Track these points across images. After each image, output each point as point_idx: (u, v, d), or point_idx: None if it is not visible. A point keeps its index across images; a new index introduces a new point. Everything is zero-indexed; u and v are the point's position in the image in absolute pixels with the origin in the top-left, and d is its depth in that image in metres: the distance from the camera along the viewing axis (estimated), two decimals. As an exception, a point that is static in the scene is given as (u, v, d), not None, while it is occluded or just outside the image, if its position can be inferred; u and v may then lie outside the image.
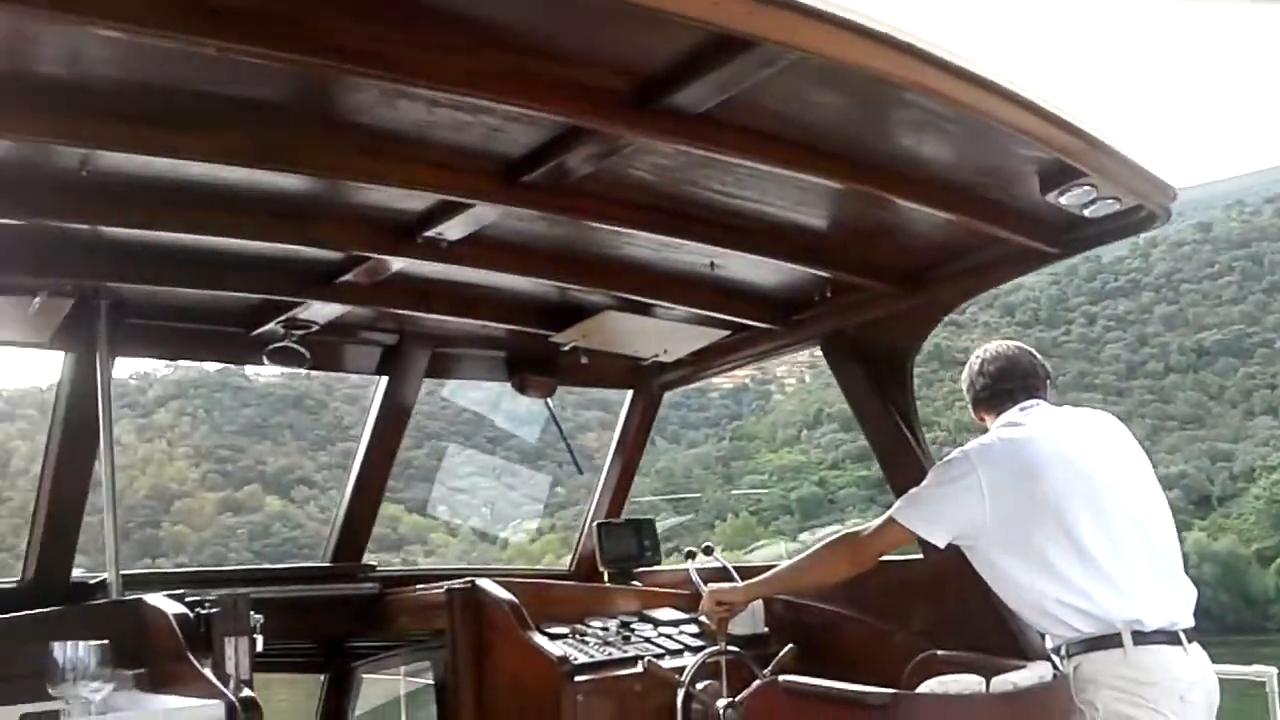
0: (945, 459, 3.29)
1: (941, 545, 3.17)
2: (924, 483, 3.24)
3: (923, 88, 2.45)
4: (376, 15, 2.19)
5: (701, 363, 4.73)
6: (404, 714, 6.67)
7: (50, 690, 2.71)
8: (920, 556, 3.62)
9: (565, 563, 5.22)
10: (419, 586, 4.16)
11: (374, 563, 4.58)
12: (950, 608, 3.66)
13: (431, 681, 4.77)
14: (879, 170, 2.96)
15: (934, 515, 3.15)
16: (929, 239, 3.57)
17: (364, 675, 5.01)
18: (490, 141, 2.80)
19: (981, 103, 2.55)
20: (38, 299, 3.36)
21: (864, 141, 2.89)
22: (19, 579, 3.81)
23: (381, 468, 4.54)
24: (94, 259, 3.37)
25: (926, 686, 2.96)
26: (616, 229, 3.38)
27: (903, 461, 3.90)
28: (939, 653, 3.45)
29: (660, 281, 3.91)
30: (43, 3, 2.03)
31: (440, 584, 3.95)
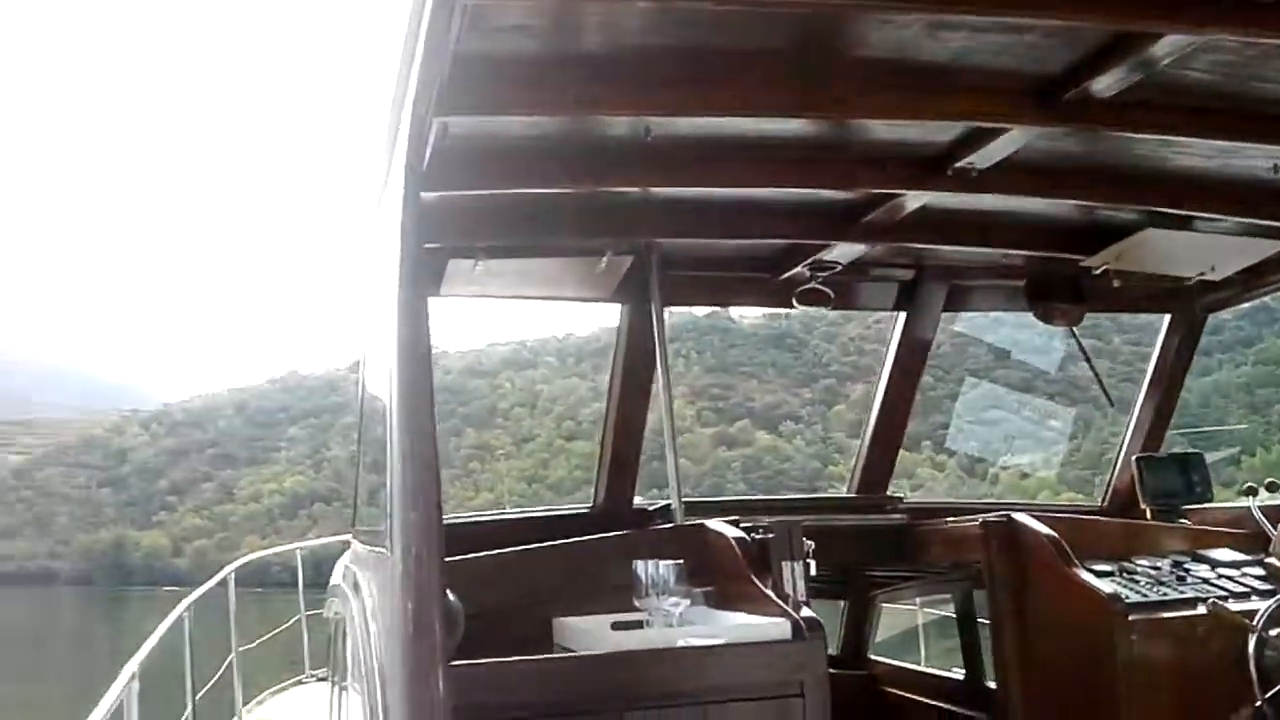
0: None
1: None
2: None
3: None
4: None
5: (1255, 280, 4.25)
6: (923, 644, 6.73)
7: (635, 602, 3.06)
8: None
9: (1065, 499, 4.96)
10: (949, 519, 4.16)
11: (900, 494, 4.65)
12: None
13: (952, 614, 4.79)
14: None
15: None
16: None
17: (882, 604, 5.13)
18: (1026, 61, 2.69)
19: None
20: (604, 259, 3.77)
21: None
22: (590, 505, 4.34)
23: (903, 402, 4.59)
24: (646, 218, 3.71)
25: None
26: (1164, 137, 3.11)
27: None
28: None
29: (1209, 191, 3.56)
30: None
31: (973, 517, 3.92)
